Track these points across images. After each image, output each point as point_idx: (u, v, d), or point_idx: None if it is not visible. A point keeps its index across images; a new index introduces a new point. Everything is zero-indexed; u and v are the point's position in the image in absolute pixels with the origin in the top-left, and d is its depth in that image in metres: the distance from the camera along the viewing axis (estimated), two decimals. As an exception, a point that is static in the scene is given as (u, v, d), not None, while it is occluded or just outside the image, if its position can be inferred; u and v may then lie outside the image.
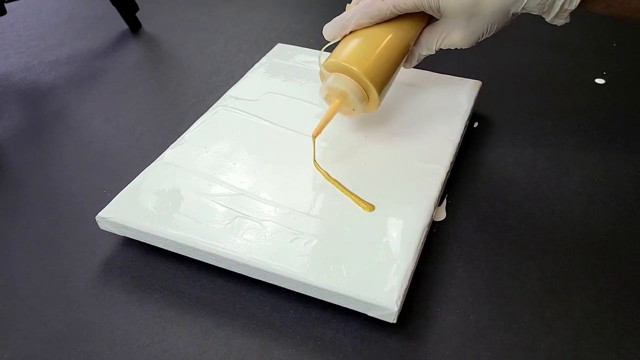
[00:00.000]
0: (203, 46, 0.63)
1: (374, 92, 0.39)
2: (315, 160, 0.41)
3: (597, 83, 0.55)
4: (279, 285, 0.35)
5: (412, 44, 0.42)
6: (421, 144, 0.43)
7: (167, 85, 0.58)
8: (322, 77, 0.41)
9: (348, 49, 0.40)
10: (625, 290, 0.36)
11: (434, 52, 0.42)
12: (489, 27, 0.39)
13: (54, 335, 0.34)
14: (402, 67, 0.43)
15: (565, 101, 0.53)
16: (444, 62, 0.58)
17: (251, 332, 0.34)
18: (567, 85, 0.55)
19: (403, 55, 0.41)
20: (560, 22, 0.39)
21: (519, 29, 0.65)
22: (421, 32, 0.42)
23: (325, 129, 0.44)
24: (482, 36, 0.40)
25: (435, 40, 0.41)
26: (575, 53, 0.60)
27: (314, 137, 0.40)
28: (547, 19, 0.39)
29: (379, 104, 0.41)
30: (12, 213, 0.43)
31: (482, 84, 0.50)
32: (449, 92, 0.49)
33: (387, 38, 0.40)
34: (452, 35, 0.40)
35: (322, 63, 0.41)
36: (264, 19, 0.68)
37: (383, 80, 0.40)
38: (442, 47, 0.41)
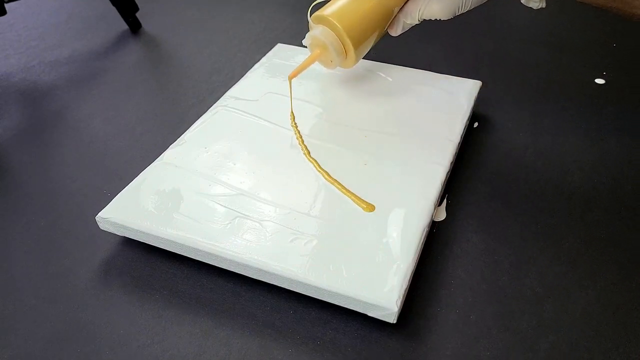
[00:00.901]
0: (203, 46, 0.63)
1: (351, 49, 0.43)
2: (292, 110, 0.46)
3: (597, 83, 0.55)
4: (279, 285, 0.35)
5: (396, 10, 0.44)
6: (421, 144, 0.43)
7: (167, 85, 0.58)
8: (311, 28, 0.45)
9: (335, 6, 0.43)
10: (625, 290, 0.36)
11: (417, 22, 0.44)
12: (464, 2, 0.41)
13: (54, 335, 0.34)
14: (388, 34, 0.46)
15: (565, 101, 0.53)
16: (444, 62, 0.59)
17: (251, 332, 0.34)
18: (567, 85, 0.55)
19: (386, 20, 0.44)
20: (535, 4, 0.41)
21: (519, 29, 0.65)
22: (407, 0, 0.44)
23: (326, 129, 0.45)
24: (459, 10, 0.42)
25: (417, 9, 0.43)
26: (575, 53, 0.60)
27: (290, 78, 0.45)
28: (522, 0, 0.40)
29: (356, 61, 0.45)
30: (12, 213, 0.43)
31: (482, 84, 0.50)
32: (449, 92, 0.49)
33: (373, 1, 0.43)
34: (431, 6, 0.42)
35: (311, 15, 0.44)
36: (264, 19, 0.68)
37: (361, 39, 0.43)
38: (425, 18, 0.43)
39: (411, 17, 0.44)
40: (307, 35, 0.44)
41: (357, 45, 0.43)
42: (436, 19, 0.43)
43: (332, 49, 0.43)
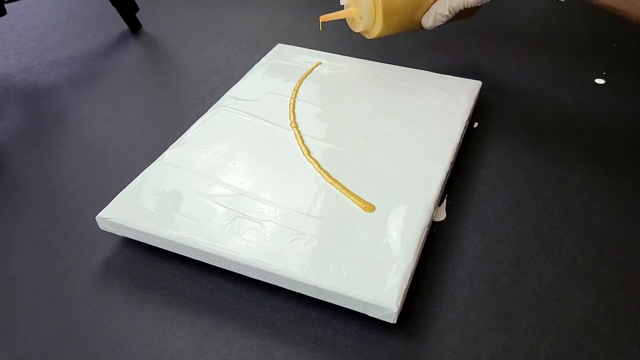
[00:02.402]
0: (203, 46, 0.63)
1: (380, 20, 0.48)
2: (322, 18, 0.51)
3: (597, 83, 0.55)
4: (279, 285, 0.35)
5: (432, 1, 0.49)
6: (421, 144, 0.43)
7: (167, 85, 0.58)
8: None
9: None
10: (625, 290, 0.36)
11: (447, 13, 0.47)
12: None
13: (54, 335, 0.34)
14: (422, 23, 0.50)
15: (565, 101, 0.53)
16: (444, 62, 0.59)
17: (251, 332, 0.34)
18: (567, 85, 0.55)
19: (422, 8, 0.49)
20: None
21: (519, 29, 0.65)
22: None
23: (326, 129, 0.45)
24: None
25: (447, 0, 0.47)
26: (575, 53, 0.60)
27: (322, 20, 0.50)
28: None
29: (379, 33, 0.49)
30: (12, 213, 0.43)
31: (482, 84, 0.50)
32: (449, 92, 0.49)
33: None
34: None
35: None
36: (264, 19, 0.68)
37: (393, 14, 0.48)
38: (455, 7, 0.47)
39: (442, 7, 0.47)
40: None
41: (386, 17, 0.48)
42: (465, 7, 0.46)
43: (365, 13, 0.48)
